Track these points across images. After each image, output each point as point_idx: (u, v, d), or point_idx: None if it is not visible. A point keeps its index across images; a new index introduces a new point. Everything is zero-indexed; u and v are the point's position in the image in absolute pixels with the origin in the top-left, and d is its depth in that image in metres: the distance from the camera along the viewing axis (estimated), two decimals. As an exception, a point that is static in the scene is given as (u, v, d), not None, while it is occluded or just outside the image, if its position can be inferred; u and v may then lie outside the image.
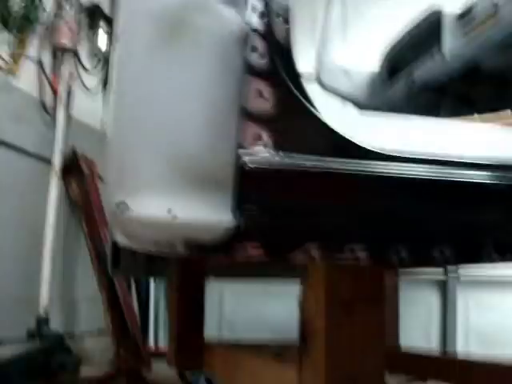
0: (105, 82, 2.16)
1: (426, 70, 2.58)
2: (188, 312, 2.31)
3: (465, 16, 2.31)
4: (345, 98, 3.04)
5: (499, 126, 2.04)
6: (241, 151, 0.90)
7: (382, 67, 2.97)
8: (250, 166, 0.90)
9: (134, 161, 0.91)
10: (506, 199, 1.11)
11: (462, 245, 1.05)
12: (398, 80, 2.82)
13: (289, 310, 3.72)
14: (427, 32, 2.62)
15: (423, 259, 1.06)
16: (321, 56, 2.94)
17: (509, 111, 2.22)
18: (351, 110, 2.99)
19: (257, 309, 4.14)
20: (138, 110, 0.92)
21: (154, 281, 4.21)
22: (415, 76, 2.66)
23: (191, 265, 2.23)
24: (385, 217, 0.99)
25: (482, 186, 1.08)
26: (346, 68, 3.03)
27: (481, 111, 2.55)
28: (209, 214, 0.91)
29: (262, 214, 0.91)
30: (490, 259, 1.07)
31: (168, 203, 0.89)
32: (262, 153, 0.90)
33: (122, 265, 1.94)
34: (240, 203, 0.91)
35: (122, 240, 1.00)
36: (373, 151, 0.98)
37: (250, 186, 0.91)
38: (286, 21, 0.94)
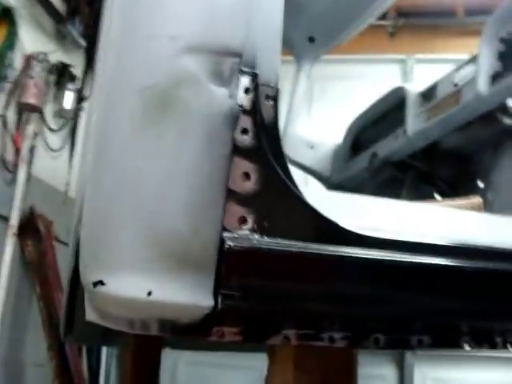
0: (71, 144, 2.13)
1: (388, 146, 2.63)
2: (143, 383, 2.22)
3: (427, 94, 2.37)
4: (308, 171, 3.06)
5: (467, 206, 2.07)
6: (225, 234, 0.88)
7: (345, 140, 3.01)
8: (234, 250, 0.87)
9: (113, 238, 0.88)
10: (475, 285, 1.11)
11: (439, 334, 1.04)
12: (360, 154, 2.86)
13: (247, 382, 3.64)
14: (391, 108, 2.69)
15: (401, 346, 1.04)
16: (286, 129, 2.97)
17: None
18: (319, 187, 3.00)
19: (212, 380, 4.01)
20: (119, 185, 0.89)
21: (107, 347, 4.07)
22: (378, 151, 2.71)
23: (148, 336, 2.15)
24: (366, 305, 0.98)
25: (453, 272, 1.08)
26: (310, 141, 3.06)
27: (442, 188, 2.60)
28: (188, 296, 0.87)
29: (242, 298, 0.88)
30: (467, 347, 1.06)
31: (147, 283, 0.86)
32: (246, 237, 0.88)
33: (76, 332, 1.86)
34: (221, 287, 0.88)
35: (93, 317, 0.95)
36: (355, 235, 0.97)
37: (232, 270, 0.88)
38: (275, 101, 0.95)
